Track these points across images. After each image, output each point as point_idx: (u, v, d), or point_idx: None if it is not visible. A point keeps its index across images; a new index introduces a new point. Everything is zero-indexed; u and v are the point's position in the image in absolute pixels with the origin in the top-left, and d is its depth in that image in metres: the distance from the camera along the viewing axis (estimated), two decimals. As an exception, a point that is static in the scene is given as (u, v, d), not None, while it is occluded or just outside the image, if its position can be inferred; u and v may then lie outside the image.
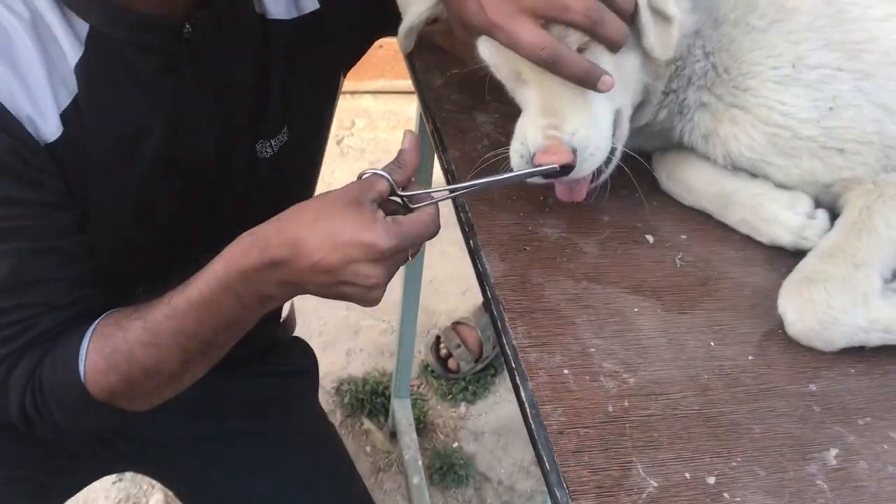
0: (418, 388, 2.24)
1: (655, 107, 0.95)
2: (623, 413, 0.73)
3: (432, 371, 2.26)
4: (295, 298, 1.40)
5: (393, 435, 2.09)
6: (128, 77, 0.94)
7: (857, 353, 0.82)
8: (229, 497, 1.23)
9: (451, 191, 0.86)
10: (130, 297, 0.99)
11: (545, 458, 0.69)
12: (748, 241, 0.94)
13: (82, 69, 0.90)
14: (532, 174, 0.85)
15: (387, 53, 1.27)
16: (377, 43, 1.25)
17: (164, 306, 0.89)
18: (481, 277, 0.87)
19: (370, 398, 2.16)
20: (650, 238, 0.94)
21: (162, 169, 0.99)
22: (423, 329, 2.37)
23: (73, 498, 1.51)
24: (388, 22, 1.12)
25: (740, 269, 0.91)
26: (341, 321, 2.37)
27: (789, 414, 0.76)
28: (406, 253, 0.83)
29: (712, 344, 0.81)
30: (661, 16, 0.84)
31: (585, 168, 0.85)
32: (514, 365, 0.77)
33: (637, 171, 1.01)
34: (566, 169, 0.83)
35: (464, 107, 1.10)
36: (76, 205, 0.95)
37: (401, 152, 0.86)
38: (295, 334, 1.52)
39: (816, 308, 0.80)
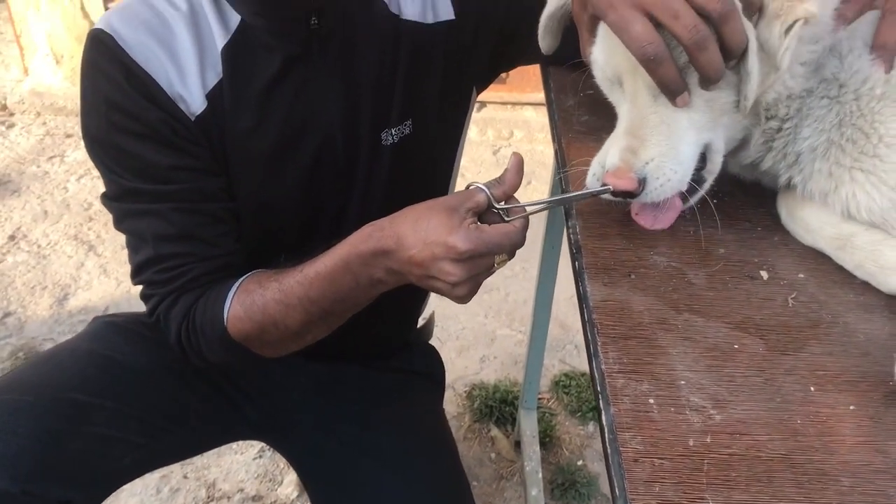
0: (548, 402, 2.25)
1: (757, 153, 0.94)
2: (703, 449, 0.72)
3: (564, 386, 2.27)
4: (437, 305, 1.50)
5: (518, 445, 2.11)
6: (264, 60, 1.07)
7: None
8: (339, 470, 1.32)
9: (548, 204, 0.95)
10: (274, 263, 1.14)
11: (616, 484, 0.70)
12: (871, 286, 0.90)
13: (227, 53, 1.05)
14: (593, 194, 0.89)
15: (550, 68, 1.32)
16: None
17: (297, 273, 1.03)
18: (581, 300, 0.88)
19: (499, 406, 2.20)
20: (764, 274, 0.91)
21: (290, 142, 1.12)
22: (559, 344, 2.39)
23: (218, 469, 1.64)
24: (525, 53, 1.16)
25: (856, 314, 0.86)
26: (479, 328, 2.43)
27: (886, 472, 0.71)
28: (490, 259, 0.91)
29: (812, 389, 0.78)
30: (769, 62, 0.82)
31: (650, 197, 0.87)
32: (599, 389, 0.78)
33: (760, 204, 1.00)
34: (628, 194, 0.86)
35: (592, 128, 1.12)
36: (222, 173, 1.10)
37: (504, 171, 0.94)
38: (433, 337, 1.62)
39: None
